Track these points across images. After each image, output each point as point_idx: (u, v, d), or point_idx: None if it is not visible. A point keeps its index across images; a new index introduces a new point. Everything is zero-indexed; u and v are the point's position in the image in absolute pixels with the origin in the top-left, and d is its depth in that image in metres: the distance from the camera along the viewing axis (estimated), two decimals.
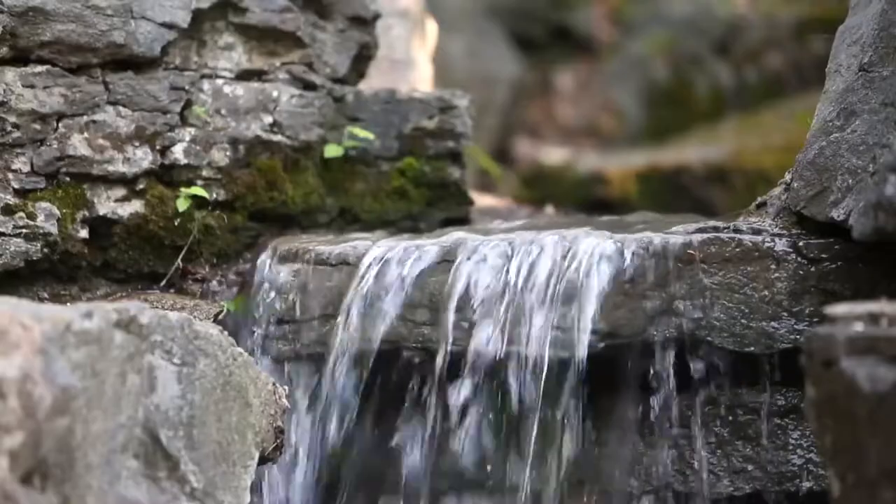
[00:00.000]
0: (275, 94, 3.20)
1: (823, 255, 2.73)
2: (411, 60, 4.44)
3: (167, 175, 3.09)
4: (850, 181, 2.70)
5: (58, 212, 2.93)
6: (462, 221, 3.34)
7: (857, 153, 2.71)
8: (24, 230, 2.89)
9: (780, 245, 2.74)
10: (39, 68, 2.94)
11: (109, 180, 3.02)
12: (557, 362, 2.70)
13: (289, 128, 3.20)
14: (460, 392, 2.76)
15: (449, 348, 2.75)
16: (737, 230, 2.78)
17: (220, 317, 2.92)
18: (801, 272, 2.72)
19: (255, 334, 2.93)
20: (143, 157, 3.04)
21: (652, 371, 2.73)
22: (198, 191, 3.07)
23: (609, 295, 2.72)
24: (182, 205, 3.06)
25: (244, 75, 3.19)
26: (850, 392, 1.93)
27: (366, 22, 3.35)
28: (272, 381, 2.48)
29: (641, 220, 3.25)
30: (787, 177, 2.87)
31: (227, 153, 3.13)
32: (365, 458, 2.84)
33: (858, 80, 2.76)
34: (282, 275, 2.93)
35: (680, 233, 2.79)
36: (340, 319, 2.82)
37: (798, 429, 2.72)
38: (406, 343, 2.79)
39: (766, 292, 2.72)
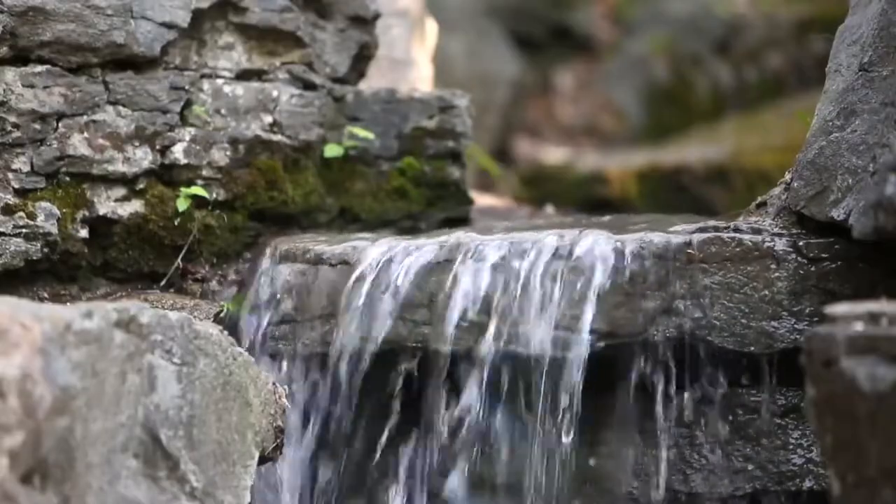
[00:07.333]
0: (275, 93, 3.20)
1: (823, 255, 2.73)
2: (411, 60, 4.44)
3: (167, 175, 3.09)
4: (850, 181, 2.69)
5: (58, 211, 2.93)
6: (462, 221, 3.34)
7: (857, 153, 2.71)
8: (24, 230, 2.89)
9: (780, 245, 2.74)
10: (39, 68, 2.94)
11: (109, 180, 3.02)
12: (557, 362, 2.70)
13: (289, 127, 3.20)
14: (459, 392, 2.76)
15: (449, 348, 2.75)
16: (737, 230, 2.78)
17: (220, 316, 2.92)
18: (801, 272, 2.72)
19: (255, 334, 2.93)
20: (143, 157, 3.04)
21: (652, 371, 2.73)
22: (198, 190, 3.07)
23: (609, 294, 2.72)
24: (182, 204, 3.06)
25: (244, 75, 3.19)
26: (850, 392, 1.93)
27: (366, 21, 3.35)
28: (272, 381, 2.48)
29: (641, 220, 3.25)
30: (787, 176, 2.87)
31: (227, 153, 3.13)
32: (362, 457, 2.84)
33: (858, 80, 2.75)
34: (282, 274, 2.93)
35: (680, 232, 2.78)
36: (340, 319, 2.82)
37: (798, 428, 2.72)
38: (406, 343, 2.79)
39: (766, 292, 2.72)
